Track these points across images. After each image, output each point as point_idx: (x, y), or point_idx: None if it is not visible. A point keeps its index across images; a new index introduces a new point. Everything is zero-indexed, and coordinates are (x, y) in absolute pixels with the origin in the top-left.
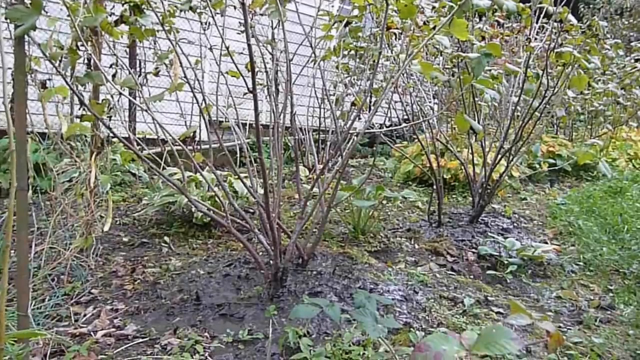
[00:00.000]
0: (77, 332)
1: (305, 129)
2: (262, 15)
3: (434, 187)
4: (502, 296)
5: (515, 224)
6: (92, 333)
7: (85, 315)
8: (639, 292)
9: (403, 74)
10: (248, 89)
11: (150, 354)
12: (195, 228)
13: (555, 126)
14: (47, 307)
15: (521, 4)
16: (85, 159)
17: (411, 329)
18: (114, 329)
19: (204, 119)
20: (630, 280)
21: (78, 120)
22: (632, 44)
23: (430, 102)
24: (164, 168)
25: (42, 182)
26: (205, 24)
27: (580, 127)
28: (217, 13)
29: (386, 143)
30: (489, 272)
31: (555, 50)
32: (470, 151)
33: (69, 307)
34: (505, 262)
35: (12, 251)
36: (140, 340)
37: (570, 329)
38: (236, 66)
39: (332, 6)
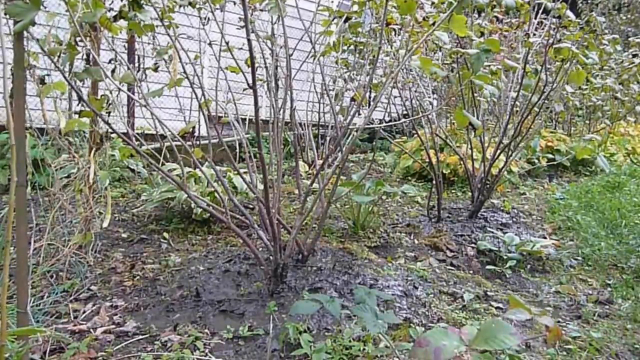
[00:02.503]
0: (76, 329)
1: (304, 124)
2: (261, 10)
3: (434, 182)
4: (502, 291)
5: (514, 219)
6: (91, 330)
7: (84, 312)
8: (637, 286)
9: (402, 70)
10: (248, 84)
11: (150, 350)
12: (194, 224)
13: (553, 121)
14: (46, 304)
15: (520, 0)
16: (83, 155)
17: (411, 324)
18: (113, 326)
19: (203, 114)
20: (628, 275)
21: (77, 115)
22: (630, 39)
23: (429, 97)
24: (163, 164)
25: (41, 178)
26: (205, 19)
27: (579, 122)
28: (217, 8)
29: (385, 138)
30: (488, 267)
31: (554, 46)
32: (469, 146)
33: (68, 303)
34: (505, 257)
35: (11, 247)
36: (140, 337)
37: (569, 324)
38: (236, 61)
39: (332, 1)
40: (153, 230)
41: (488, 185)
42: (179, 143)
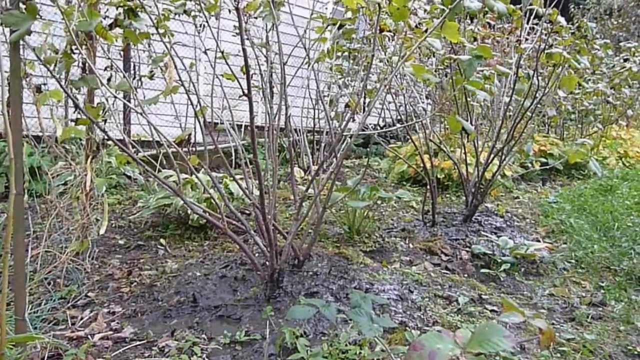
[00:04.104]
0: (74, 335)
1: (300, 130)
2: (256, 18)
3: (428, 187)
4: (496, 294)
5: (508, 223)
6: (89, 336)
7: (82, 319)
8: (630, 288)
9: (396, 76)
10: (243, 91)
11: (148, 356)
12: (191, 230)
13: (546, 125)
14: (44, 311)
15: (512, 6)
16: (80, 162)
17: (407, 328)
18: (111, 332)
19: (199, 121)
20: (621, 277)
21: (73, 123)
22: (621, 44)
23: (423, 102)
24: (159, 170)
25: (37, 186)
26: (200, 26)
27: (571, 126)
28: (212, 16)
29: (380, 144)
30: (482, 270)
31: (546, 51)
32: (463, 151)
33: (65, 310)
34: (499, 260)
35: (9, 256)
36: (138, 342)
37: (562, 326)
38: (231, 69)
39: (326, 9)
40: (150, 236)
41: (482, 190)
42: (175, 150)
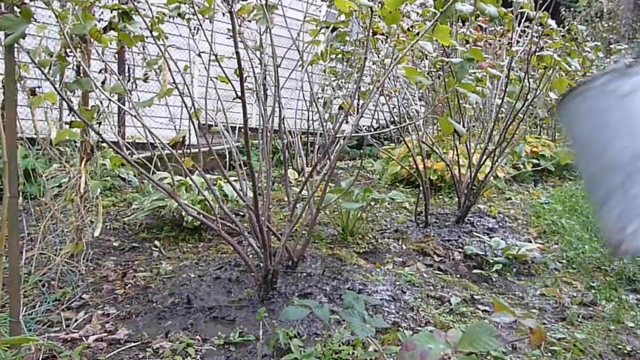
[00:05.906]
0: (68, 337)
1: (293, 132)
2: (249, 21)
3: (421, 188)
4: (488, 294)
5: (500, 224)
6: (83, 338)
7: (76, 321)
8: (620, 288)
9: (389, 78)
10: (237, 94)
11: (142, 357)
12: (185, 232)
13: (538, 127)
14: (38, 313)
15: (503, 9)
16: (74, 164)
17: (399, 328)
18: (105, 334)
19: (193, 123)
20: (612, 277)
21: (67, 126)
22: (612, 46)
23: (416, 104)
24: (153, 172)
25: (32, 188)
26: (194, 29)
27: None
28: (206, 19)
29: (374, 145)
30: (475, 271)
31: (537, 54)
32: (455, 153)
33: (60, 312)
34: (491, 261)
35: (4, 257)
36: (132, 344)
37: (553, 325)
38: (224, 73)
39: (319, 12)
40: (144, 238)
41: (474, 191)
42: (169, 152)
